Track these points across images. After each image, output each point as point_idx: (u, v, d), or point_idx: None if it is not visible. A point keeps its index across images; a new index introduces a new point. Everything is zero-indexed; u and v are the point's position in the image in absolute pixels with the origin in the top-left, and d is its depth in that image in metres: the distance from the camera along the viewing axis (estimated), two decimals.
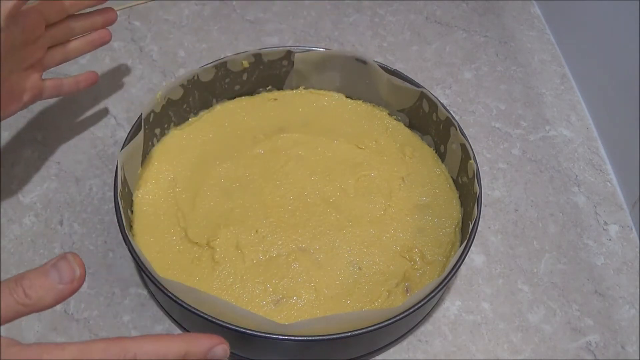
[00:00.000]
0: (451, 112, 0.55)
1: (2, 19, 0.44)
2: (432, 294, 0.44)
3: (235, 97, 0.63)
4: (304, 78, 0.63)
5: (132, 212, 0.53)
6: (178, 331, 0.50)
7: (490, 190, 0.61)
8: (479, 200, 0.49)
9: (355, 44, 0.75)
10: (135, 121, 0.53)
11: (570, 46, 0.74)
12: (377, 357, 0.49)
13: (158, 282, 0.44)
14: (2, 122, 0.63)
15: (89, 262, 0.54)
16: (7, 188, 0.58)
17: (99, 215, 0.57)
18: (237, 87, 0.62)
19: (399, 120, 0.62)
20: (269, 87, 0.64)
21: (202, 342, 0.32)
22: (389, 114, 0.62)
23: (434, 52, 0.75)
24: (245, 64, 0.60)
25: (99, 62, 0.71)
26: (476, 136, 0.65)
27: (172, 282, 0.43)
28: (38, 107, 0.65)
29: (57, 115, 0.65)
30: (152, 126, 0.56)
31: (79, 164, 0.61)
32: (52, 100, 0.66)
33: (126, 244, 0.46)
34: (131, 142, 0.52)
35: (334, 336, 0.42)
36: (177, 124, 0.60)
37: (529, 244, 0.57)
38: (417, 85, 0.58)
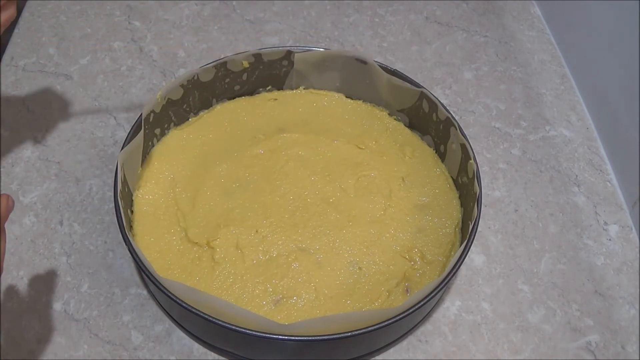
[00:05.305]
0: (451, 112, 0.55)
1: None
2: (432, 294, 0.44)
3: (235, 97, 0.63)
4: (304, 78, 0.63)
5: (132, 212, 0.53)
6: (178, 331, 0.50)
7: (490, 190, 0.61)
8: (479, 200, 0.49)
9: (355, 44, 0.75)
10: (135, 121, 0.53)
11: (570, 46, 0.74)
12: (377, 357, 0.49)
13: (158, 282, 0.44)
14: (2, 122, 0.63)
15: (89, 262, 0.54)
16: (7, 188, 0.58)
17: (99, 215, 0.57)
18: (237, 87, 0.62)
19: (399, 120, 0.62)
20: (269, 87, 0.64)
21: None
22: (389, 114, 0.62)
23: (434, 52, 0.75)
24: (245, 64, 0.60)
25: (99, 62, 0.71)
26: (476, 136, 0.65)
27: (172, 282, 0.43)
28: (38, 107, 0.65)
29: (57, 115, 0.65)
30: (152, 126, 0.56)
31: (79, 164, 0.61)
32: (52, 101, 0.66)
33: (126, 244, 0.46)
34: (131, 142, 0.52)
35: (334, 336, 0.42)
36: (177, 124, 0.60)
37: (529, 244, 0.57)
38: (417, 85, 0.58)
